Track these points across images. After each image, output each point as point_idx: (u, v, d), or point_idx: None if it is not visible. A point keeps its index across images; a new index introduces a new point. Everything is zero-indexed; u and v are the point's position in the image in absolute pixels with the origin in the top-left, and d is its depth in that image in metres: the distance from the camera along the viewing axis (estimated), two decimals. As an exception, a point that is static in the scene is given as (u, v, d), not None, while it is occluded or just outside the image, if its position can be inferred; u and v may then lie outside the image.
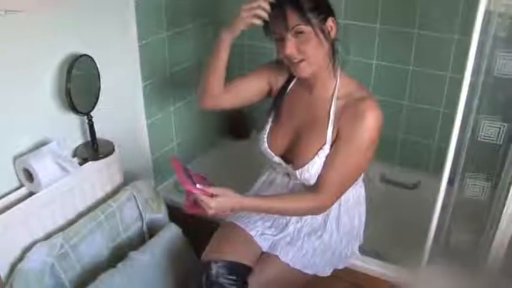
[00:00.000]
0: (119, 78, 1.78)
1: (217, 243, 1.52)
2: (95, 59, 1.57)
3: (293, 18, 1.31)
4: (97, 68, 1.59)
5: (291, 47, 1.34)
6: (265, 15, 1.34)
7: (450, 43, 1.96)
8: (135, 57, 1.83)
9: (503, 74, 1.30)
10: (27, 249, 1.43)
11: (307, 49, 1.35)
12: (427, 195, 2.12)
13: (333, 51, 1.41)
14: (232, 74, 1.57)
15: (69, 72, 1.49)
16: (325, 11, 1.35)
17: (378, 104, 1.39)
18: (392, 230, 2.02)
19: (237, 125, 2.52)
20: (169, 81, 2.05)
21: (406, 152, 2.26)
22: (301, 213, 1.52)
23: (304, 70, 1.40)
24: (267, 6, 1.34)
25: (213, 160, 2.37)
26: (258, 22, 1.36)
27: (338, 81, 1.44)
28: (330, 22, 1.36)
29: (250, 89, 1.60)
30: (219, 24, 2.28)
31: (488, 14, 1.25)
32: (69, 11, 1.51)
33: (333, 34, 1.37)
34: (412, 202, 2.16)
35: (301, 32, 1.32)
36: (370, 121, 1.36)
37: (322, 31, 1.35)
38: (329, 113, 1.44)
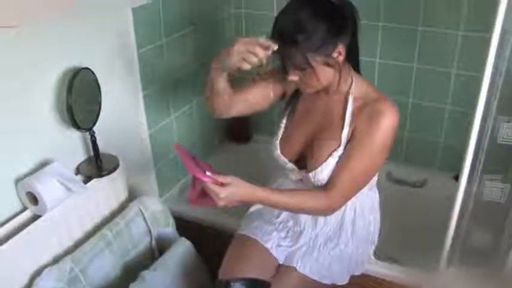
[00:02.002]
0: (118, 89, 1.72)
1: (233, 260, 1.48)
2: (94, 71, 1.50)
3: (295, 61, 1.25)
4: (97, 81, 1.52)
5: (293, 77, 1.30)
6: (256, 63, 1.24)
7: (455, 39, 1.93)
8: (135, 66, 1.76)
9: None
10: (35, 276, 1.36)
11: (309, 80, 1.31)
12: (435, 193, 2.14)
13: (340, 67, 1.33)
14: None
15: (69, 87, 1.41)
16: (333, 41, 1.24)
17: (394, 105, 1.35)
18: (403, 231, 1.99)
19: (238, 129, 2.48)
20: (169, 89, 1.98)
21: (412, 150, 2.24)
22: (310, 211, 1.46)
23: (308, 91, 1.38)
24: (262, 54, 1.22)
25: (215, 165, 2.30)
26: (247, 67, 1.25)
27: (353, 82, 1.39)
28: (338, 49, 1.26)
29: (263, 96, 1.53)
30: (216, 27, 2.24)
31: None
32: (64, 23, 1.43)
33: (340, 59, 1.28)
34: (420, 201, 2.14)
35: (304, 69, 1.27)
36: (387, 122, 1.32)
37: (328, 63, 1.27)
38: (344, 113, 1.39)
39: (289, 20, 1.24)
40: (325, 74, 1.30)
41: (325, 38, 1.22)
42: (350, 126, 1.38)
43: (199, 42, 2.12)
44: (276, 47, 1.23)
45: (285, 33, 1.23)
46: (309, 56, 1.23)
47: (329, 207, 1.40)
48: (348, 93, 1.39)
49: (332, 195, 1.37)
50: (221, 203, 1.25)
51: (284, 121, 1.53)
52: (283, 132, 1.52)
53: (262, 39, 1.23)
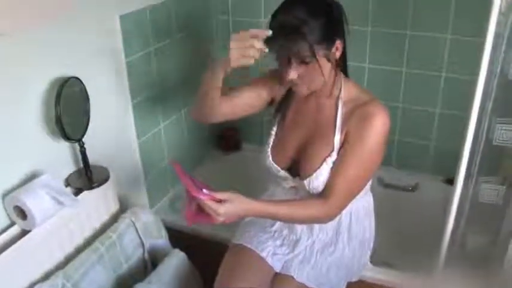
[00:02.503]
0: (107, 98, 1.68)
1: (229, 271, 1.45)
2: (82, 81, 1.47)
3: (297, 52, 1.23)
4: (86, 90, 1.49)
5: (293, 74, 1.28)
6: (258, 55, 1.23)
7: (443, 43, 1.94)
8: (123, 75, 1.73)
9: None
10: (25, 293, 1.32)
11: (310, 77, 1.29)
12: (427, 197, 2.14)
13: (337, 64, 1.34)
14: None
15: (57, 97, 1.38)
16: (332, 36, 1.27)
17: (384, 106, 1.34)
18: (397, 235, 1.99)
19: (227, 138, 2.45)
20: (157, 97, 1.95)
21: (402, 154, 2.24)
22: (309, 220, 1.45)
23: (304, 92, 1.35)
24: (259, 45, 1.22)
25: (205, 175, 2.28)
26: (250, 62, 1.25)
27: (343, 86, 1.39)
28: (336, 44, 1.28)
29: (250, 101, 1.52)
30: (204, 35, 2.22)
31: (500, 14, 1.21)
32: (51, 32, 1.40)
33: (337, 54, 1.30)
34: (412, 205, 2.15)
35: (305, 63, 1.25)
36: (378, 125, 1.31)
37: (328, 58, 1.28)
38: (335, 118, 1.38)
39: (289, 15, 1.22)
40: (325, 71, 1.29)
41: (326, 32, 1.23)
42: (341, 131, 1.37)
43: (188, 49, 2.10)
44: (266, 49, 1.22)
45: (289, 27, 1.21)
46: (314, 47, 1.22)
47: (327, 215, 1.38)
48: (338, 98, 1.38)
49: (329, 203, 1.35)
50: (220, 220, 1.23)
51: (275, 128, 1.52)
52: (274, 140, 1.51)
53: (254, 30, 1.23)
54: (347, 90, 1.39)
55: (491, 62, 1.27)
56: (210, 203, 1.21)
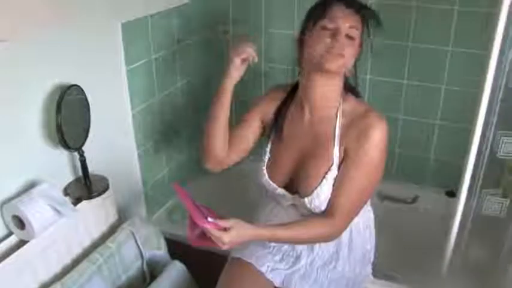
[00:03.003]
0: (107, 107, 1.66)
1: (227, 284, 1.42)
2: (83, 88, 1.45)
3: (353, 20, 1.29)
4: (87, 98, 1.47)
5: (344, 36, 1.29)
6: (256, 59, 1.37)
7: (444, 55, 1.94)
8: (124, 83, 1.71)
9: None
10: (21, 305, 1.28)
11: (350, 52, 1.31)
12: (427, 210, 2.13)
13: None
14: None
15: (58, 105, 1.36)
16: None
17: (382, 116, 1.34)
18: (397, 248, 1.97)
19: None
20: (158, 106, 1.93)
21: (402, 167, 2.22)
22: (315, 240, 1.43)
23: (336, 64, 1.29)
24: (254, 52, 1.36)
25: (202, 189, 2.25)
26: (255, 61, 1.38)
27: (341, 98, 1.38)
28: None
29: (251, 139, 1.52)
30: (205, 45, 2.21)
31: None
32: (52, 39, 1.38)
33: (359, 52, 1.37)
34: (412, 217, 2.13)
35: (351, 38, 1.30)
36: (377, 136, 1.30)
37: (361, 40, 1.34)
38: (334, 132, 1.36)
39: None
40: (352, 59, 1.34)
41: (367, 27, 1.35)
42: (340, 144, 1.35)
43: (189, 59, 2.09)
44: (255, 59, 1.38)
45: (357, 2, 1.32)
46: (362, 24, 1.32)
47: (333, 234, 1.37)
48: (336, 111, 1.37)
49: (335, 222, 1.34)
50: (225, 247, 1.23)
51: (269, 145, 1.49)
52: (270, 157, 1.48)
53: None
54: (345, 102, 1.38)
55: (496, 75, 1.28)
56: (214, 231, 1.20)
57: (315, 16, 1.32)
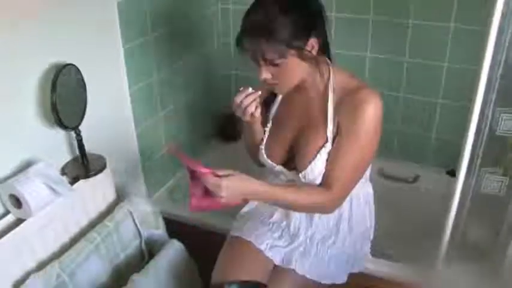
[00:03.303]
0: (104, 86, 1.65)
1: (226, 263, 1.43)
2: (79, 68, 1.44)
3: (267, 53, 1.21)
4: (83, 78, 1.46)
5: (265, 74, 1.27)
6: (258, 114, 1.34)
7: (446, 32, 1.91)
8: (121, 63, 1.70)
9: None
10: (19, 283, 1.29)
11: (282, 76, 1.28)
12: (428, 189, 2.12)
13: (318, 55, 1.30)
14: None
15: (53, 84, 1.35)
16: (304, 34, 1.23)
17: (375, 91, 1.31)
18: (398, 227, 1.97)
19: (226, 127, 2.43)
20: (157, 86, 1.92)
21: (403, 146, 2.21)
22: (313, 209, 1.42)
23: (281, 91, 1.35)
24: (253, 108, 1.31)
25: (204, 164, 2.26)
26: (257, 115, 1.34)
27: (331, 75, 1.36)
28: (311, 42, 1.25)
29: None
30: (203, 23, 2.18)
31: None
32: (48, 18, 1.37)
33: (315, 51, 1.27)
34: (413, 197, 2.13)
35: (276, 64, 1.23)
36: (370, 111, 1.28)
37: (301, 56, 1.25)
38: (326, 109, 1.35)
39: (259, 15, 1.21)
40: (300, 69, 1.28)
41: (297, 31, 1.21)
42: (333, 120, 1.34)
43: (187, 37, 2.06)
44: (259, 93, 1.31)
45: (256, 28, 1.21)
46: (282, 49, 1.20)
47: (331, 204, 1.37)
48: (327, 87, 1.36)
49: (332, 192, 1.34)
50: (223, 194, 1.20)
51: (269, 125, 1.50)
52: (268, 137, 1.49)
53: (248, 92, 1.31)
54: (337, 79, 1.36)
55: (495, 51, 1.25)
56: (211, 178, 1.20)
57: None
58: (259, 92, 1.32)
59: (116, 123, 1.75)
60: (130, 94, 1.77)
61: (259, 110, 1.34)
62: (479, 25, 1.78)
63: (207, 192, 1.23)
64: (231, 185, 1.22)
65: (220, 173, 1.22)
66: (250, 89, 1.31)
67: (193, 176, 1.24)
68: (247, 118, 1.34)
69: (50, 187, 1.34)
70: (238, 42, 1.26)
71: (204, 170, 1.20)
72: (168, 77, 1.99)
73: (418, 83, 2.06)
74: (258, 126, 1.46)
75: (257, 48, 1.22)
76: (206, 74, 2.28)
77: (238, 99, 1.32)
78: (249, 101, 1.31)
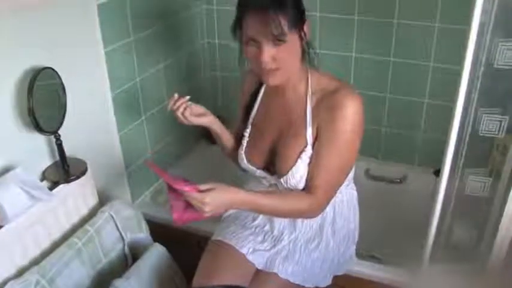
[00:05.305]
0: (85, 90, 1.63)
1: (208, 267, 1.41)
2: (58, 71, 1.42)
3: (278, 26, 1.16)
4: (61, 81, 1.44)
5: (268, 55, 1.21)
6: (187, 114, 1.42)
7: (431, 32, 1.90)
8: (102, 65, 1.68)
9: (504, 65, 1.23)
10: (-3, 291, 1.28)
11: (286, 58, 1.23)
12: (415, 189, 2.11)
13: (304, 52, 1.30)
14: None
15: (30, 88, 1.32)
16: (302, 18, 1.24)
17: (354, 90, 1.29)
18: (384, 228, 1.96)
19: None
20: (139, 88, 1.90)
21: (390, 146, 2.20)
22: (295, 214, 1.41)
23: (277, 79, 1.27)
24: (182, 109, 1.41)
25: (191, 165, 2.25)
26: (187, 114, 1.43)
27: (309, 78, 1.34)
28: (306, 26, 1.25)
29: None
30: (187, 23, 2.17)
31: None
32: (24, 20, 1.35)
33: (307, 38, 1.27)
34: (400, 197, 2.12)
35: (283, 41, 1.19)
36: (349, 111, 1.26)
37: (301, 38, 1.24)
38: (305, 112, 1.34)
39: None
40: (297, 55, 1.27)
41: (299, 13, 1.23)
42: (313, 123, 1.33)
43: (170, 39, 2.05)
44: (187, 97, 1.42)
45: (270, 2, 1.17)
46: (294, 21, 1.19)
47: (314, 209, 1.36)
48: (306, 90, 1.34)
49: (315, 197, 1.32)
50: (207, 209, 1.19)
51: (248, 130, 1.48)
52: (248, 141, 1.48)
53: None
54: (314, 81, 1.34)
55: (477, 51, 1.24)
56: (194, 194, 1.18)
57: (237, 25, 1.26)
58: (188, 97, 1.42)
59: (98, 126, 1.73)
60: (112, 97, 1.75)
61: (188, 111, 1.42)
62: (464, 24, 1.79)
63: (189, 204, 1.21)
64: (215, 199, 1.20)
65: (202, 187, 1.20)
66: (176, 95, 1.42)
67: (173, 188, 1.23)
68: (181, 120, 1.43)
69: (27, 192, 1.32)
70: (242, 17, 1.21)
71: (186, 188, 1.18)
72: (151, 78, 1.97)
73: (403, 82, 2.05)
74: (214, 128, 1.53)
75: (268, 18, 1.16)
76: (190, 76, 2.27)
77: (169, 107, 1.43)
78: (177, 105, 1.40)
